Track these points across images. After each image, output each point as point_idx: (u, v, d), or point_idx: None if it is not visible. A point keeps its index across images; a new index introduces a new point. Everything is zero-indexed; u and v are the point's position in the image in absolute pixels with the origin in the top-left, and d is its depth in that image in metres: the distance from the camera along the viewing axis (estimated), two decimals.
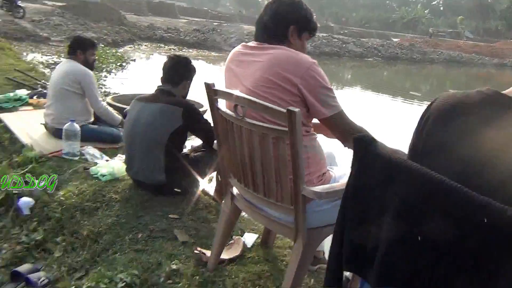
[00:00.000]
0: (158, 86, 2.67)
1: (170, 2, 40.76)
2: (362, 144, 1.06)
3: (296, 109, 1.35)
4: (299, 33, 1.72)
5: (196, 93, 2.96)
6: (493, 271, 0.82)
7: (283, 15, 1.70)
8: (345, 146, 1.68)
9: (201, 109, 3.26)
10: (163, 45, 18.69)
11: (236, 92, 1.58)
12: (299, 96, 1.55)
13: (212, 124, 2.60)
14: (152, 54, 16.01)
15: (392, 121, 7.98)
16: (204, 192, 2.93)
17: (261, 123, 1.52)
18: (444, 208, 0.87)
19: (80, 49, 3.59)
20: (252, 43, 1.74)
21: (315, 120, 1.68)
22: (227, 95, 1.63)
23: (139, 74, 9.93)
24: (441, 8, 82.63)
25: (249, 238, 2.24)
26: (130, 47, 16.65)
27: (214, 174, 2.92)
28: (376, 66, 22.34)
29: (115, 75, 9.72)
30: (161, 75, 2.69)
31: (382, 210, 0.99)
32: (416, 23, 63.27)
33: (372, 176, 1.03)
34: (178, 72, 2.67)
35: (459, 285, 0.87)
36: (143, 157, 2.54)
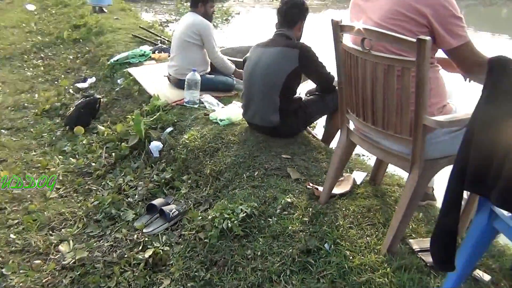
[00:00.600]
0: (275, 31, 2.79)
1: None
2: (500, 65, 1.08)
3: (427, 38, 1.38)
4: None
5: None
6: None
7: None
8: (470, 79, 1.66)
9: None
10: None
11: (364, 26, 1.64)
12: (427, 26, 1.57)
13: (326, 69, 2.69)
14: (254, 7, 16.09)
15: None
16: (313, 135, 3.07)
17: (388, 55, 1.57)
18: None
19: (201, 1, 3.81)
20: None
21: (438, 54, 1.68)
22: (354, 30, 1.69)
23: (243, 28, 10.15)
24: None
25: (359, 176, 2.34)
26: (234, 1, 16.90)
27: (324, 118, 3.03)
28: (495, 3, 19.89)
29: (221, 29, 10.05)
30: (277, 19, 2.78)
31: None
32: None
33: (508, 98, 1.05)
34: (293, 13, 2.74)
35: None
36: (260, 99, 2.71)
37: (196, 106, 3.44)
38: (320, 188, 2.14)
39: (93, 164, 3.20)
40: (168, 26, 9.91)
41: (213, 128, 2.97)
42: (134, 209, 2.65)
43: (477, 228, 1.38)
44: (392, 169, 2.49)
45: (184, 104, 3.48)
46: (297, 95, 2.81)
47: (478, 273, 1.64)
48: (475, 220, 1.39)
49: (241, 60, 4.59)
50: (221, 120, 3.02)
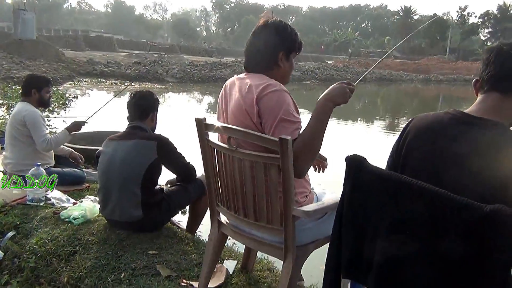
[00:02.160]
0: (128, 124, 2.75)
1: (107, 36, 40.28)
2: (355, 163, 1.24)
3: (288, 137, 1.51)
4: (287, 56, 1.85)
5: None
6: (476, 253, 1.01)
7: (272, 43, 1.80)
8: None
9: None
10: (104, 80, 18.45)
11: (228, 125, 1.73)
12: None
13: (185, 159, 2.73)
14: (92, 90, 15.74)
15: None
16: (177, 225, 3.01)
17: (253, 152, 1.66)
18: (434, 209, 1.06)
19: (35, 87, 3.51)
20: (242, 75, 1.86)
21: None
22: (220, 129, 1.76)
23: (82, 112, 9.76)
24: (370, 30, 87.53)
25: (230, 265, 2.35)
26: (70, 84, 16.30)
27: (187, 208, 3.01)
28: (314, 88, 23.22)
29: (58, 114, 9.49)
30: (128, 113, 2.76)
31: (378, 221, 1.17)
32: (347, 45, 66.49)
33: (367, 191, 1.21)
34: (143, 106, 2.76)
35: None
36: (119, 194, 2.58)
37: (42, 204, 3.11)
38: (195, 284, 2.08)
39: None
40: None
41: (66, 228, 2.70)
42: None
43: None
44: (260, 253, 2.57)
45: (27, 202, 3.11)
46: (158, 186, 2.77)
47: None
48: None
49: (84, 147, 4.38)
50: (74, 219, 2.76)
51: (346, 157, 1.31)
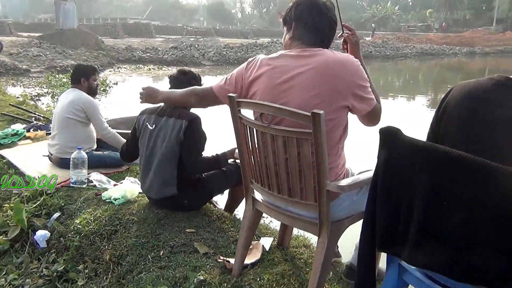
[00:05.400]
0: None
1: (145, 22, 40.88)
2: (389, 134, 1.21)
3: (321, 111, 1.48)
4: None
5: None
6: None
7: (331, 17, 1.82)
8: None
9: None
10: (142, 66, 18.76)
11: (261, 102, 1.71)
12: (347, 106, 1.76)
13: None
14: (131, 76, 16.07)
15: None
16: (214, 205, 3.04)
17: (285, 128, 1.65)
18: (474, 179, 1.01)
19: (83, 76, 3.70)
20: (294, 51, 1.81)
21: None
22: (251, 105, 1.75)
23: (122, 97, 10.00)
24: (410, 3, 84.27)
25: (266, 242, 2.35)
26: (110, 71, 16.68)
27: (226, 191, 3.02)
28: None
29: (100, 100, 9.77)
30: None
31: (413, 192, 1.13)
32: (387, 20, 64.36)
33: (402, 162, 1.17)
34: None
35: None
36: (156, 170, 2.62)
37: (84, 186, 3.22)
38: (232, 260, 2.10)
39: None
40: (40, 100, 9.33)
41: (108, 208, 2.79)
42: None
43: (389, 283, 1.46)
44: (296, 230, 2.56)
45: (71, 185, 3.23)
46: None
47: None
48: (387, 276, 1.47)
49: (126, 131, 4.46)
50: (115, 199, 2.85)
51: (380, 129, 1.27)
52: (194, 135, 2.58)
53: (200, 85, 2.81)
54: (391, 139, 1.22)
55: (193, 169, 2.65)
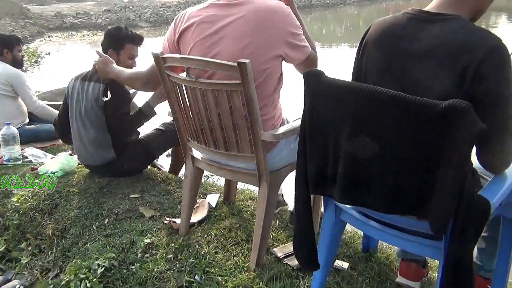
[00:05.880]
0: None
1: None
2: (312, 77, 1.20)
3: (247, 60, 1.45)
4: None
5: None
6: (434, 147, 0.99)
7: None
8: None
9: None
10: (75, 33, 17.72)
11: (185, 55, 1.64)
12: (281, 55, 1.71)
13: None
14: (65, 44, 15.19)
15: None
16: (159, 168, 3.00)
17: (213, 81, 1.60)
18: (392, 112, 1.03)
19: (6, 47, 3.45)
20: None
21: None
22: (177, 60, 1.67)
23: (58, 67, 9.46)
24: None
25: (212, 198, 2.36)
26: (41, 41, 15.67)
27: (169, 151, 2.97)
28: None
29: (32, 73, 9.21)
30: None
31: (339, 132, 1.14)
32: None
33: (326, 103, 1.18)
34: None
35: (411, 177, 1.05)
36: (89, 137, 2.54)
37: (19, 162, 3.06)
38: (178, 220, 2.10)
39: None
40: None
41: (46, 183, 2.67)
42: None
43: (328, 224, 1.50)
44: (242, 184, 2.58)
45: (4, 163, 3.06)
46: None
47: (338, 263, 1.80)
48: (325, 217, 1.51)
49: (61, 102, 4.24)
50: (53, 173, 2.74)
51: (303, 73, 1.26)
52: (114, 97, 2.48)
53: (139, 45, 2.68)
54: (314, 82, 1.22)
55: (120, 131, 2.56)
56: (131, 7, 22.22)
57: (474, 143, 0.98)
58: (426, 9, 1.23)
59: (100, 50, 2.42)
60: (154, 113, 2.63)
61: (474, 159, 1.24)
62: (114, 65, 2.18)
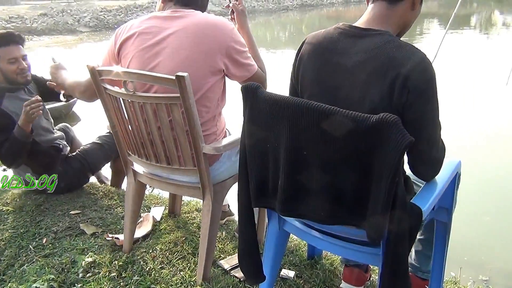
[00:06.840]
0: None
1: None
2: (250, 91, 1.21)
3: (185, 74, 1.43)
4: None
5: None
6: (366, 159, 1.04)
7: None
8: None
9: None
10: None
11: (122, 69, 1.60)
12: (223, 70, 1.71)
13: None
14: None
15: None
16: (101, 181, 2.90)
17: (152, 94, 1.58)
18: (326, 126, 1.06)
19: None
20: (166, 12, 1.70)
21: None
22: (113, 74, 1.63)
23: None
24: None
25: (157, 212, 2.31)
26: None
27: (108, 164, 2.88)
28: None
29: None
30: None
31: (277, 146, 1.16)
32: None
33: (264, 116, 1.19)
34: None
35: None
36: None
37: None
38: (121, 236, 2.04)
39: None
40: None
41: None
42: None
43: (272, 235, 1.52)
44: (187, 196, 2.55)
45: None
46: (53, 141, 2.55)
47: (284, 272, 1.82)
48: (269, 228, 1.53)
49: None
50: None
51: (241, 87, 1.27)
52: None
53: (18, 44, 2.48)
54: (251, 95, 1.23)
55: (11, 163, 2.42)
56: (69, 11, 21.38)
57: (403, 154, 1.02)
58: (355, 24, 1.28)
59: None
60: (23, 136, 2.31)
61: (407, 167, 1.31)
62: (64, 71, 2.11)
